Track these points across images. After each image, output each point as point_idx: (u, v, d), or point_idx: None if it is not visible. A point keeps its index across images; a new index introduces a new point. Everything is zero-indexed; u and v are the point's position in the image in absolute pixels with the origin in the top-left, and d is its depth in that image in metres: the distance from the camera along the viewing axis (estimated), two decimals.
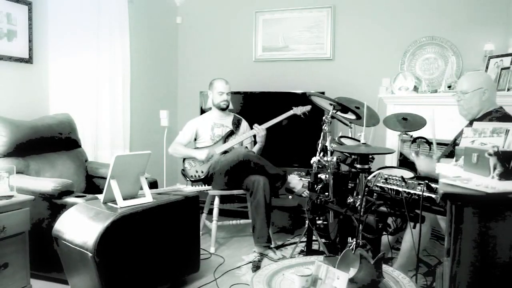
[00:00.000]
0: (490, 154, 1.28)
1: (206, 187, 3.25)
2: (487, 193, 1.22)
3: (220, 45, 4.73)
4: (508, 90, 3.23)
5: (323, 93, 3.76)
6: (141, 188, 2.44)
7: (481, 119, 2.48)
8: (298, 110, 3.53)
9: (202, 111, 4.16)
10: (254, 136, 3.55)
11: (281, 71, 4.46)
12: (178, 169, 3.97)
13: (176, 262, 2.60)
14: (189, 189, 2.80)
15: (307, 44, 4.35)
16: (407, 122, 3.23)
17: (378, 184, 2.28)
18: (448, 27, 3.83)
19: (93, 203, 2.34)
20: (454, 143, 2.66)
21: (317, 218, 2.95)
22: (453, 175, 1.43)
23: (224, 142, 3.56)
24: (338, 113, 2.93)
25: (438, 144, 2.91)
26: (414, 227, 2.32)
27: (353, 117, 2.93)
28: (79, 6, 3.43)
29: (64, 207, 2.45)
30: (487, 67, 3.51)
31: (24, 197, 2.36)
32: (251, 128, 3.60)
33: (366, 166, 2.36)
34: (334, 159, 2.62)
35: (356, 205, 2.30)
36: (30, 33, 3.15)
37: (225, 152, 3.49)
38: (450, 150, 2.66)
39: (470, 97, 2.49)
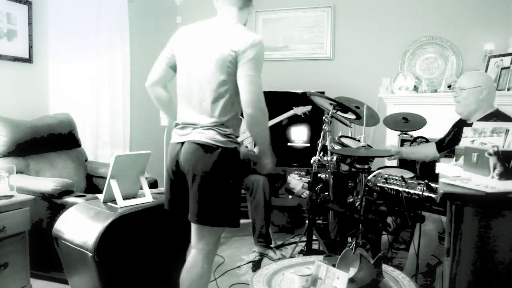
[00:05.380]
0: (490, 154, 1.28)
1: None
2: (487, 192, 1.22)
3: None
4: (508, 90, 3.23)
5: (323, 93, 3.76)
6: (141, 188, 2.44)
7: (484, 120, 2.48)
8: (299, 110, 3.53)
9: None
10: None
11: (281, 71, 4.45)
12: None
13: (176, 262, 2.60)
14: None
15: (307, 44, 4.35)
16: (407, 122, 3.23)
17: (378, 184, 2.29)
18: (448, 27, 3.82)
19: (93, 203, 2.34)
20: (448, 138, 2.67)
21: (317, 218, 2.95)
22: (453, 175, 1.43)
23: None
24: (338, 113, 2.93)
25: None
26: (414, 226, 2.33)
27: (353, 117, 2.93)
28: (79, 6, 3.43)
29: (64, 207, 2.45)
30: (487, 67, 3.51)
31: (24, 197, 2.36)
32: None
33: (366, 166, 2.36)
34: (334, 158, 2.62)
35: (356, 205, 2.30)
36: (30, 33, 3.14)
37: None
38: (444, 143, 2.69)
39: (467, 94, 2.47)
